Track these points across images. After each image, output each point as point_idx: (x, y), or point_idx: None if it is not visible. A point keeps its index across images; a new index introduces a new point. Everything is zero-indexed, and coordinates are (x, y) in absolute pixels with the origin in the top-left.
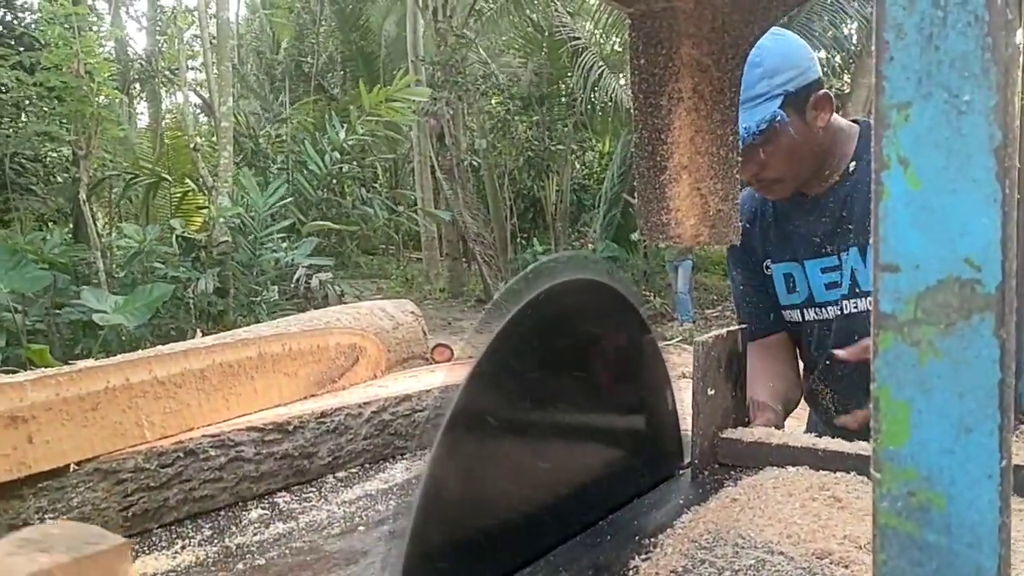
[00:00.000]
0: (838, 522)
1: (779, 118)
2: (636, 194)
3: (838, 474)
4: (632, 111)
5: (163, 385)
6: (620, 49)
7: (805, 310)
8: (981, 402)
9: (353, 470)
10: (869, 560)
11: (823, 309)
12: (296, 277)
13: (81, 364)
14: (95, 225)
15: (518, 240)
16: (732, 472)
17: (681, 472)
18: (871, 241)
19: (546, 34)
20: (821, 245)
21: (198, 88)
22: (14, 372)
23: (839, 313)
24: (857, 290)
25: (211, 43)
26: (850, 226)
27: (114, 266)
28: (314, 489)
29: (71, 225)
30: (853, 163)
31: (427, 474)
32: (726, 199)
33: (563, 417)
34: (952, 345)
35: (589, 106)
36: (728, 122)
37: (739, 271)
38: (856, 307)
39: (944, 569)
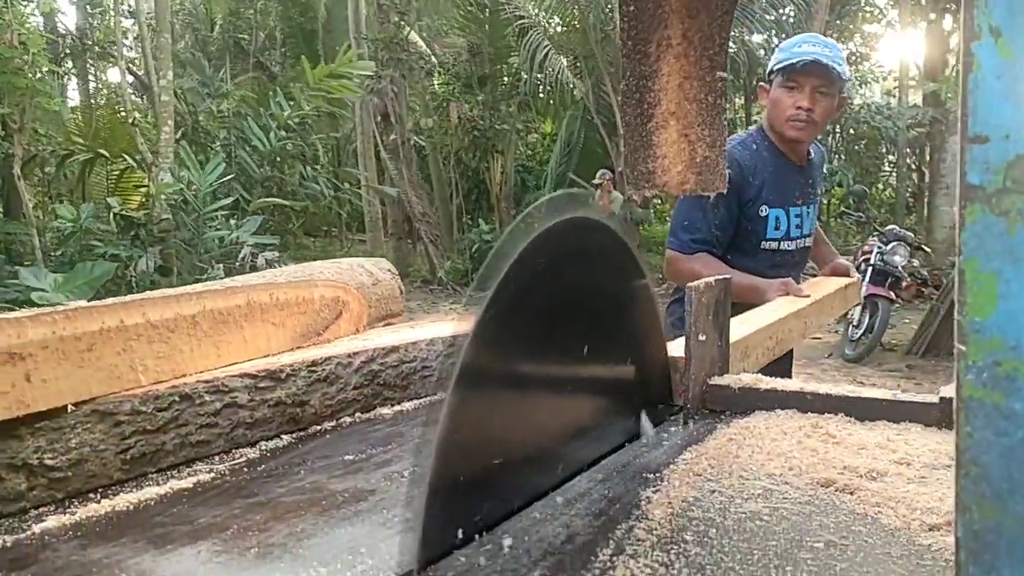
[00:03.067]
0: (835, 455)
1: (847, 86)
2: (623, 142)
3: (826, 415)
4: (620, 58)
5: (156, 329)
6: (564, 29)
7: (782, 242)
8: None
9: (345, 419)
10: (873, 487)
11: (791, 242)
12: (241, 256)
13: (74, 304)
14: (28, 202)
15: (463, 220)
16: (722, 416)
17: (671, 417)
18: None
19: (488, 13)
20: (797, 198)
21: (132, 65)
22: (11, 309)
23: (796, 247)
24: (807, 232)
25: (147, 16)
26: (810, 190)
27: (51, 243)
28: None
29: (2, 202)
30: (811, 154)
31: (444, 415)
32: (713, 146)
33: (564, 359)
34: None
35: (533, 87)
36: (716, 68)
37: (724, 207)
38: (806, 244)
39: None
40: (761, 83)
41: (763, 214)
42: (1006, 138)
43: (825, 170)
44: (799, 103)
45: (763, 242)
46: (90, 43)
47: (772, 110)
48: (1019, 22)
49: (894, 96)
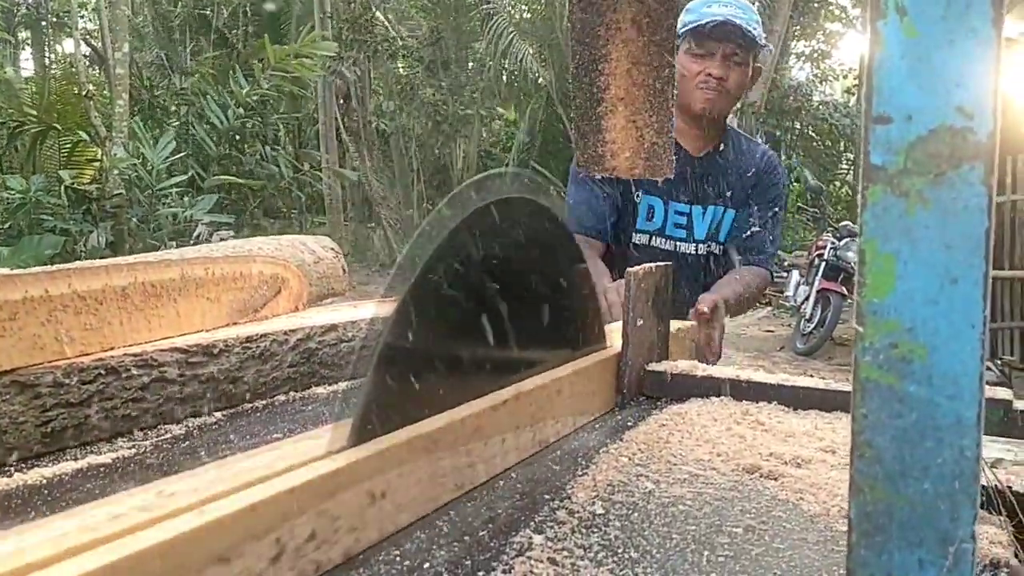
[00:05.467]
0: (763, 442)
1: (761, 50)
2: (572, 125)
3: (760, 403)
4: (570, 42)
5: (84, 300)
6: (530, 16)
7: (655, 237)
8: (968, 252)
9: (279, 397)
10: (797, 473)
11: (668, 241)
12: (196, 234)
13: None
14: None
15: (424, 205)
16: (658, 403)
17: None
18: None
19: None
20: (682, 193)
21: (89, 37)
22: None
23: (675, 249)
24: (702, 238)
25: None
26: (709, 189)
27: None
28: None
29: None
30: (723, 144)
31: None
32: (661, 132)
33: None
34: (941, 195)
35: (497, 73)
36: (664, 54)
37: (601, 187)
38: (702, 250)
39: (924, 420)
40: None
41: (637, 200)
42: (908, 119)
43: (777, 181)
44: (709, 71)
45: (634, 233)
46: (45, 12)
47: (679, 82)
48: (925, 1)
49: (853, 94)
